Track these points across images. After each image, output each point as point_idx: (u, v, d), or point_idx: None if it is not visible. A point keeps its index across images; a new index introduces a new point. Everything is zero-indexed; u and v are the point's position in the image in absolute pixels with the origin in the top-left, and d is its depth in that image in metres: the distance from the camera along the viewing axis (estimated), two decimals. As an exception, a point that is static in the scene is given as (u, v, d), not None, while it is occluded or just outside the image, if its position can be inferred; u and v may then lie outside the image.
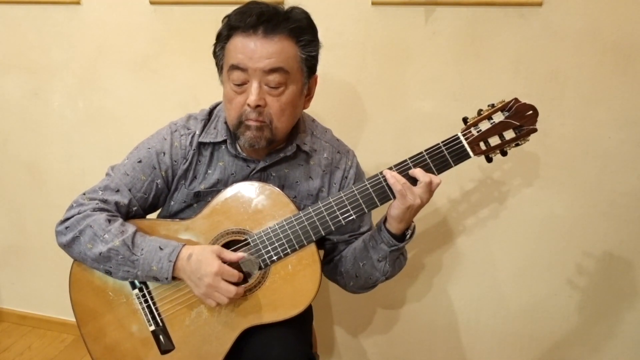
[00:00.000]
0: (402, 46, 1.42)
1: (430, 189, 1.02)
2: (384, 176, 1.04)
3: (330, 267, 1.23)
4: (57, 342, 1.97)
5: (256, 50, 1.01)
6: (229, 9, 1.07)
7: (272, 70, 1.02)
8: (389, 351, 1.74)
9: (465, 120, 1.03)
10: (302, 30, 1.05)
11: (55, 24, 1.66)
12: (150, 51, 1.61)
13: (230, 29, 1.05)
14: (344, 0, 1.42)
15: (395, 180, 1.01)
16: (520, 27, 1.34)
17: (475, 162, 1.46)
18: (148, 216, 1.20)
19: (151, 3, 1.55)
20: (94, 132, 1.75)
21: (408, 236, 1.08)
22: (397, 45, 1.42)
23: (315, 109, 1.48)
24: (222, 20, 1.08)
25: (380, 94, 1.48)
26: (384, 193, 1.04)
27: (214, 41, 1.10)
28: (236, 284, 1.03)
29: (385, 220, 1.07)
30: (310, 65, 1.08)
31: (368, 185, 1.04)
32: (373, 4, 1.40)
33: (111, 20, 1.61)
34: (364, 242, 1.13)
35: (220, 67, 1.11)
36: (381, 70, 1.45)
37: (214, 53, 1.11)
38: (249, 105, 1.03)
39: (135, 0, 1.56)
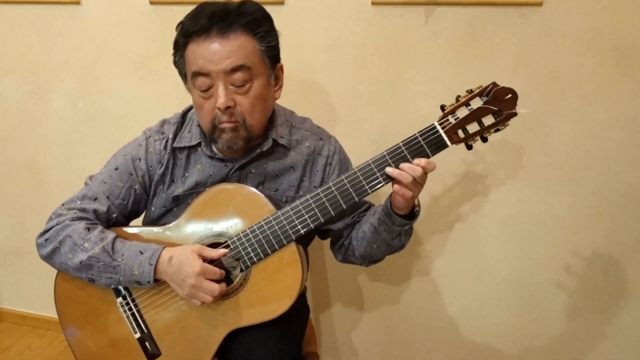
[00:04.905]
0: (402, 46, 1.42)
1: (425, 176, 0.99)
2: (347, 182, 1.02)
3: (342, 252, 1.23)
4: (57, 342, 1.97)
5: (215, 52, 1.00)
6: (229, 9, 1.07)
7: (235, 70, 1.01)
8: (389, 351, 1.74)
9: (442, 107, 1.01)
10: (257, 23, 1.03)
11: (55, 24, 1.66)
12: (150, 51, 1.61)
13: (185, 35, 1.04)
14: (344, 0, 1.41)
15: (401, 177, 0.98)
16: (520, 27, 1.34)
17: (479, 163, 1.46)
18: (131, 223, 1.20)
19: (151, 3, 1.55)
20: (94, 132, 1.75)
21: (417, 213, 1.08)
22: (397, 45, 1.42)
23: (315, 109, 1.48)
24: (176, 28, 1.06)
25: (380, 94, 1.47)
26: (350, 194, 1.02)
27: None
28: (220, 281, 1.03)
29: (391, 205, 1.06)
30: (271, 55, 1.06)
31: (333, 188, 1.03)
32: (373, 4, 1.40)
33: (111, 20, 1.61)
34: (373, 226, 1.11)
35: (184, 76, 1.09)
36: (381, 70, 1.45)
37: (175, 63, 1.09)
38: (219, 108, 1.02)
39: (135, 0, 1.56)
